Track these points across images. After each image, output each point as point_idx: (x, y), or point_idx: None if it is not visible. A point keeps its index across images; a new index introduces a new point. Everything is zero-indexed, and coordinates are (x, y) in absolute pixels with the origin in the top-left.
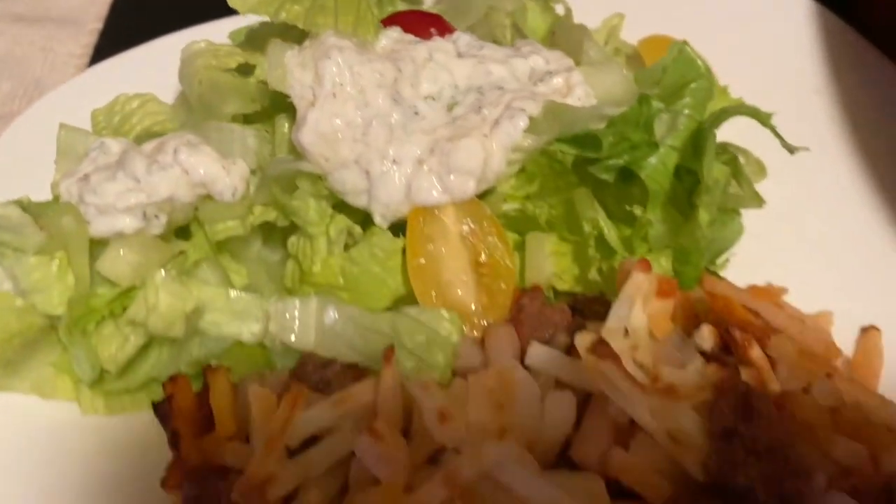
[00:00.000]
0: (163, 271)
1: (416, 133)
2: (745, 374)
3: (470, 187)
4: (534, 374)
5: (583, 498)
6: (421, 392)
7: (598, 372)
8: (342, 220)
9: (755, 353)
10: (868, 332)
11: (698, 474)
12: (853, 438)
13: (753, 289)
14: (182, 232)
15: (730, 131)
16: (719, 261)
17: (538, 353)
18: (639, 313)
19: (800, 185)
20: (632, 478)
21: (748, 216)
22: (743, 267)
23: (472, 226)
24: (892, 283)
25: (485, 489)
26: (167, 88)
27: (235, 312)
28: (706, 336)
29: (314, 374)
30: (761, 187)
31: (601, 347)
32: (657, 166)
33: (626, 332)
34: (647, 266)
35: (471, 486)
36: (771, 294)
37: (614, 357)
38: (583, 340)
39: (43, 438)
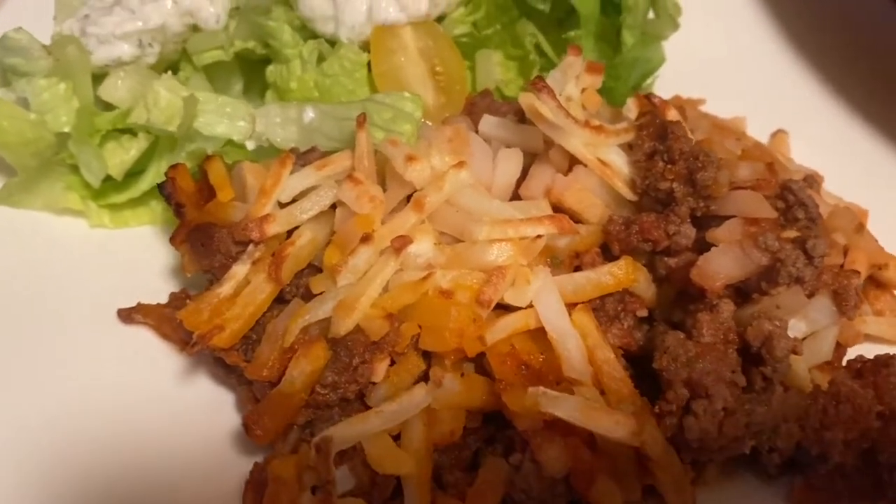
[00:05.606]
0: (161, 75)
1: None
2: None
3: (423, 5)
4: (486, 140)
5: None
6: (390, 146)
7: (533, 109)
8: (313, 43)
9: (672, 113)
10: (777, 134)
11: (628, 194)
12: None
13: (675, 97)
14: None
15: None
16: (645, 84)
17: (489, 121)
18: (572, 86)
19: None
20: (571, 198)
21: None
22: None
23: (428, 42)
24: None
25: (447, 213)
26: None
27: (225, 114)
28: (632, 107)
29: (298, 160)
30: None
31: (538, 82)
32: None
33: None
34: (578, 50)
35: (436, 210)
36: (690, 101)
37: (548, 90)
38: (525, 98)
39: (54, 251)
